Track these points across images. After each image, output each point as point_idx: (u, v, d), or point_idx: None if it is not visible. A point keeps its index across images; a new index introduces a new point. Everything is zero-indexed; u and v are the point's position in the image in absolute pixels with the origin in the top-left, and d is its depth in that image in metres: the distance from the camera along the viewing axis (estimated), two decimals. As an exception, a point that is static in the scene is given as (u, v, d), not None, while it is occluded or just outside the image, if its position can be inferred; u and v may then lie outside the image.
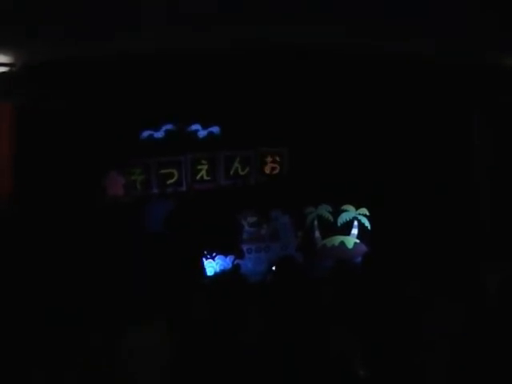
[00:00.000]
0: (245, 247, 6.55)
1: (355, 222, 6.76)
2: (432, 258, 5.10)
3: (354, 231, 6.76)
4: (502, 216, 6.24)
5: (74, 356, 3.64)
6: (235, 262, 6.44)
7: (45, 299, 4.79)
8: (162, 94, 5.87)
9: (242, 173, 6.57)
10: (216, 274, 6.16)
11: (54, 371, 3.54)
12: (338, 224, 6.77)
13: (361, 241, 6.74)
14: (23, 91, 5.38)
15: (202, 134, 6.38)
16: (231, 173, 6.53)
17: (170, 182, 6.41)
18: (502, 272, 3.81)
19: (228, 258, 6.45)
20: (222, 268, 6.33)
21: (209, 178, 6.50)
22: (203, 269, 6.22)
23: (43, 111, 5.59)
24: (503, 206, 6.28)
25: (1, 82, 5.19)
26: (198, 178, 6.48)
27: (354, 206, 6.76)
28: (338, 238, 6.76)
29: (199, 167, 6.48)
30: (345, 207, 6.77)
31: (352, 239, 6.75)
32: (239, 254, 6.51)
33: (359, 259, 6.46)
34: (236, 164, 6.54)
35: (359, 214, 6.77)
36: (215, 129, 6.39)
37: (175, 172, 6.41)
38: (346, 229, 6.77)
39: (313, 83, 6.12)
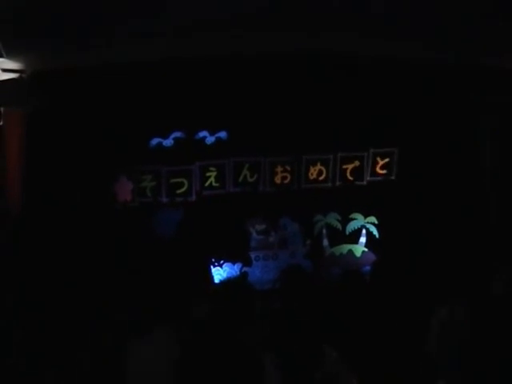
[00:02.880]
0: (253, 255, 6.53)
1: (363, 231, 6.75)
2: (439, 264, 5.09)
3: (362, 239, 6.74)
4: (510, 219, 6.21)
5: (83, 356, 3.68)
6: (243, 270, 6.44)
7: (55, 303, 4.83)
8: (170, 99, 5.87)
9: (250, 180, 6.51)
10: (222, 280, 6.14)
11: (63, 371, 3.58)
12: (347, 232, 6.75)
13: (369, 249, 6.72)
14: (33, 98, 5.41)
15: (210, 140, 6.34)
16: (240, 180, 6.48)
17: (179, 191, 6.36)
18: (509, 275, 3.79)
19: (236, 265, 6.44)
20: (229, 275, 6.32)
21: (217, 185, 6.45)
22: (211, 276, 6.20)
23: (53, 118, 5.63)
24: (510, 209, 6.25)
25: (11, 89, 5.24)
26: (206, 184, 6.43)
27: (362, 214, 6.75)
28: (346, 247, 6.73)
29: (208, 174, 6.42)
30: (353, 215, 6.75)
31: (360, 248, 6.73)
32: (247, 262, 6.49)
33: (367, 268, 6.46)
34: (245, 171, 6.48)
35: (367, 223, 6.75)
36: (223, 134, 6.35)
37: (185, 181, 6.36)
38: (354, 237, 6.76)
39: (316, 88, 6.11)
